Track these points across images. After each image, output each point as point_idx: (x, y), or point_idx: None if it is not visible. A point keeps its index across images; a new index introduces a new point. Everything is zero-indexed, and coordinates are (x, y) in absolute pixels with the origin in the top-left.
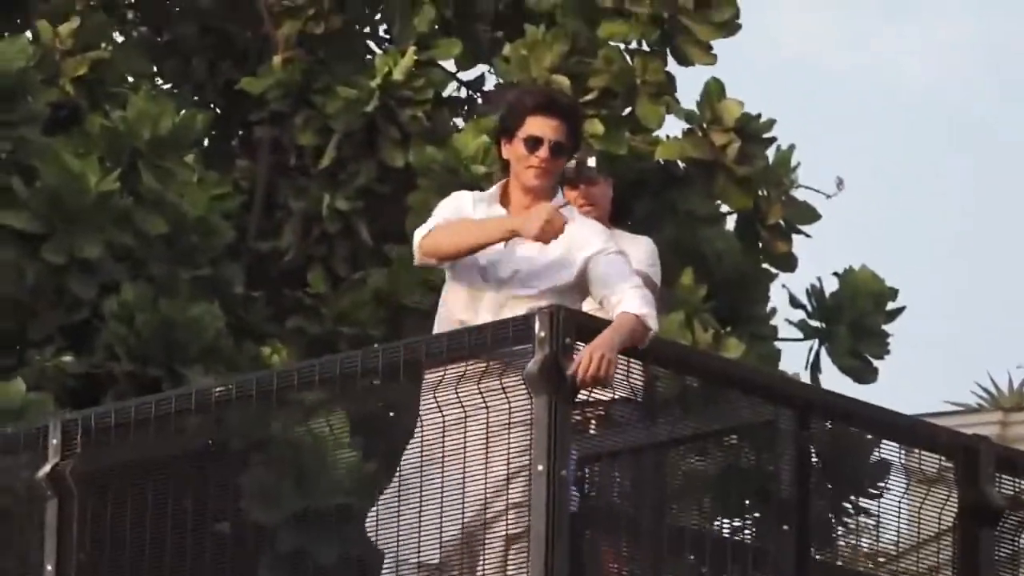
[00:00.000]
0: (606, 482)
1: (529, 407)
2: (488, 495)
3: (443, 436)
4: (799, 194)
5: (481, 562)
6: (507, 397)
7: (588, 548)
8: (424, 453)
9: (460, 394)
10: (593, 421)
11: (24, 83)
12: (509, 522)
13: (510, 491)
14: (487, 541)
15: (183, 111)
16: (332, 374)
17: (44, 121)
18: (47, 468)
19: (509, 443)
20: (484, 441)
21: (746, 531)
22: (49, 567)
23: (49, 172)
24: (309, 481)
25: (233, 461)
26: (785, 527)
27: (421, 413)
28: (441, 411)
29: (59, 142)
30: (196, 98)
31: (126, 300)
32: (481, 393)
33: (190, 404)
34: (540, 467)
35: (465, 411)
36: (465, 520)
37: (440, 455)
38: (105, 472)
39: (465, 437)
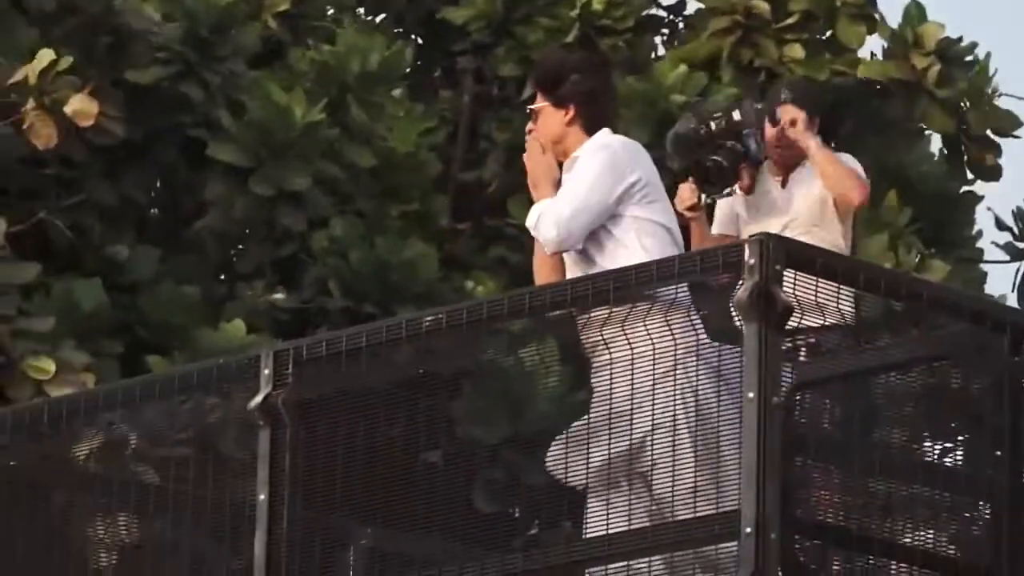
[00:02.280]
0: (816, 409)
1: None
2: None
3: (632, 367)
4: (1000, 103)
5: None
6: (695, 331)
7: (799, 475)
8: (614, 385)
9: (648, 326)
10: (803, 348)
11: (230, 18)
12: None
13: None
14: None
15: (391, 45)
16: (542, 302)
17: (250, 56)
18: (259, 398)
19: (698, 374)
20: (672, 373)
21: (958, 457)
22: (262, 496)
23: (256, 106)
24: (518, 408)
25: (444, 390)
26: (998, 453)
27: (609, 345)
28: (630, 345)
29: (266, 76)
30: (397, 29)
31: (337, 235)
32: (670, 326)
33: (401, 334)
34: (751, 395)
35: (653, 344)
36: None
37: (629, 386)
38: (317, 402)
39: (654, 369)
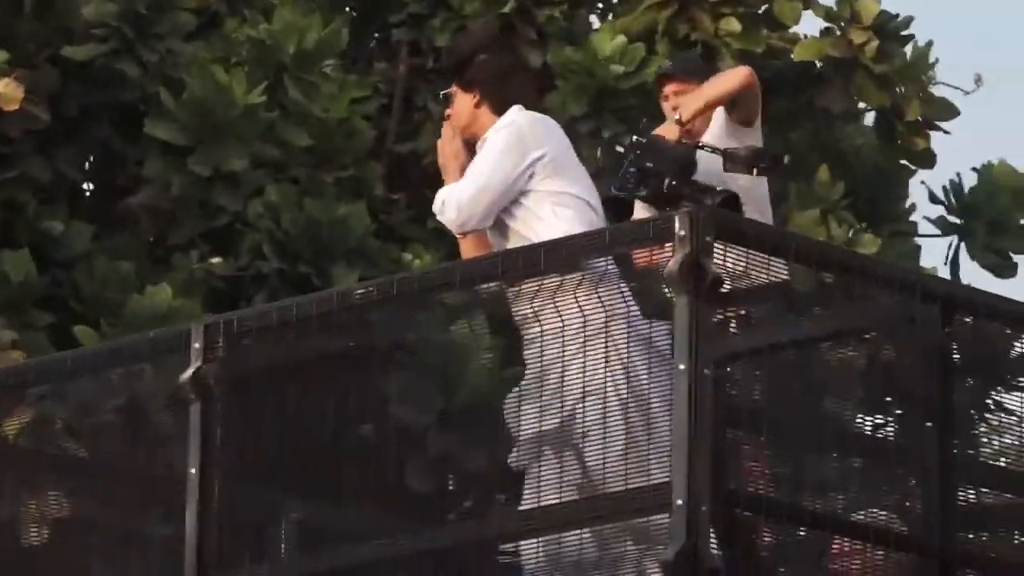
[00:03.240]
0: (746, 381)
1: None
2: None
3: (562, 340)
4: (937, 91)
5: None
6: (625, 302)
7: (729, 447)
8: (544, 356)
9: (579, 298)
10: (734, 320)
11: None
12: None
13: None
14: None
15: (328, 24)
16: (473, 276)
17: (189, 31)
18: (190, 372)
19: (629, 345)
20: (603, 345)
21: (888, 428)
22: (193, 470)
23: (196, 84)
24: (451, 383)
25: (376, 363)
26: (928, 424)
27: (540, 317)
28: (561, 317)
29: (202, 49)
30: (334, 1)
31: (271, 201)
32: (600, 298)
33: (332, 306)
34: (682, 366)
35: (584, 316)
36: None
37: (559, 359)
38: (248, 375)
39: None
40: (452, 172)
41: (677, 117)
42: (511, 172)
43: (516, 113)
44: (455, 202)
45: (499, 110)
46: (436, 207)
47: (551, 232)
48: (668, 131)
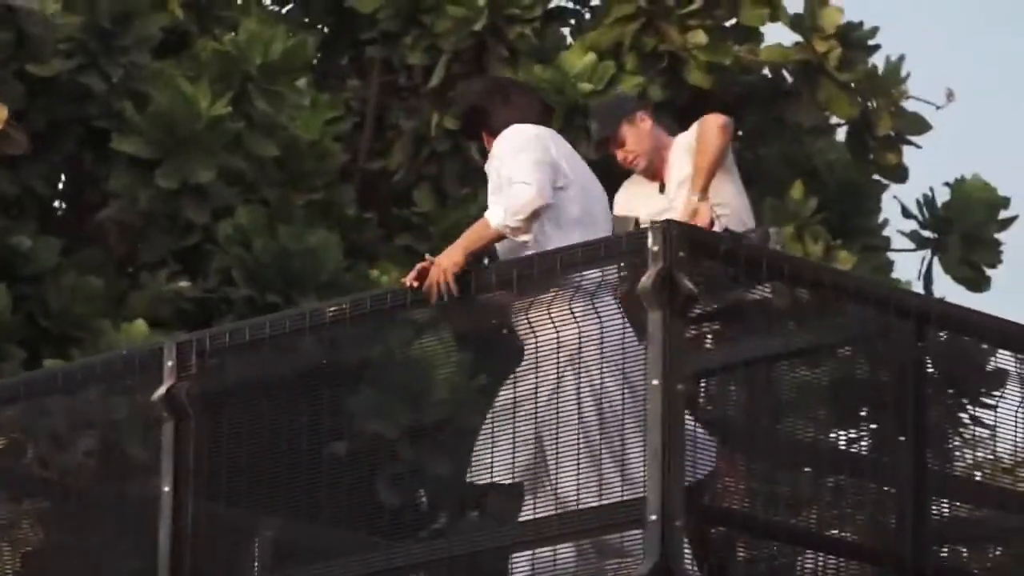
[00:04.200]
0: (722, 396)
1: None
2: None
3: (536, 356)
4: (910, 105)
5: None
6: (599, 317)
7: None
8: (518, 372)
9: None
10: (708, 336)
11: (134, 8)
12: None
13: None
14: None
15: (294, 35)
16: (443, 292)
17: (154, 46)
18: (163, 390)
19: (602, 359)
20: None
21: (863, 442)
22: (166, 488)
23: (161, 97)
24: (420, 398)
25: (347, 380)
26: (902, 438)
27: (517, 332)
28: (534, 331)
29: (169, 66)
30: (305, 19)
31: (240, 224)
32: (572, 313)
33: (304, 324)
34: (655, 382)
35: (557, 332)
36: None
37: (534, 374)
38: (220, 393)
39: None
40: (461, 243)
41: (697, 197)
42: (536, 150)
43: (524, 125)
44: (518, 191)
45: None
46: (497, 219)
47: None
48: (695, 211)
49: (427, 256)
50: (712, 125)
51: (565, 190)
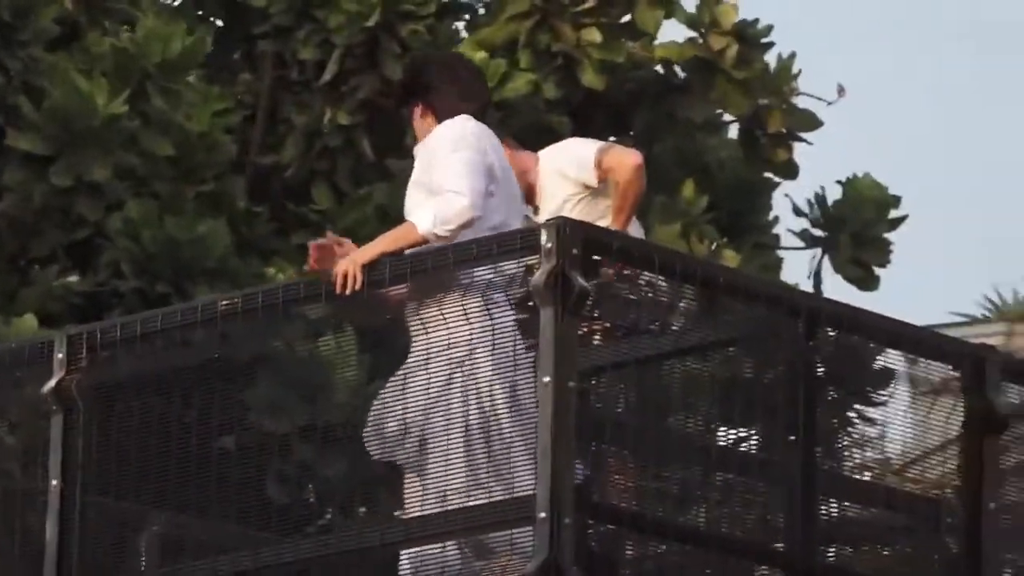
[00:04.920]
0: (611, 394)
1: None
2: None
3: (427, 354)
4: (801, 101)
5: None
6: (489, 314)
7: (594, 460)
8: (409, 367)
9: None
10: (597, 333)
11: (35, 1)
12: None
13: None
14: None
15: (192, 32)
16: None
17: (50, 39)
18: (52, 382)
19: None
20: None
21: (753, 441)
22: (55, 481)
23: (58, 93)
24: (315, 397)
25: (239, 375)
26: (792, 438)
27: (409, 327)
28: (426, 330)
29: (64, 60)
30: (198, 12)
31: (131, 217)
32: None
33: (196, 318)
34: (546, 379)
35: (448, 329)
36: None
37: (425, 372)
38: (110, 386)
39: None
40: (377, 242)
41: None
42: (475, 152)
43: (463, 121)
44: (451, 201)
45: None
46: (425, 226)
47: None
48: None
49: (328, 233)
50: (629, 167)
51: (492, 196)
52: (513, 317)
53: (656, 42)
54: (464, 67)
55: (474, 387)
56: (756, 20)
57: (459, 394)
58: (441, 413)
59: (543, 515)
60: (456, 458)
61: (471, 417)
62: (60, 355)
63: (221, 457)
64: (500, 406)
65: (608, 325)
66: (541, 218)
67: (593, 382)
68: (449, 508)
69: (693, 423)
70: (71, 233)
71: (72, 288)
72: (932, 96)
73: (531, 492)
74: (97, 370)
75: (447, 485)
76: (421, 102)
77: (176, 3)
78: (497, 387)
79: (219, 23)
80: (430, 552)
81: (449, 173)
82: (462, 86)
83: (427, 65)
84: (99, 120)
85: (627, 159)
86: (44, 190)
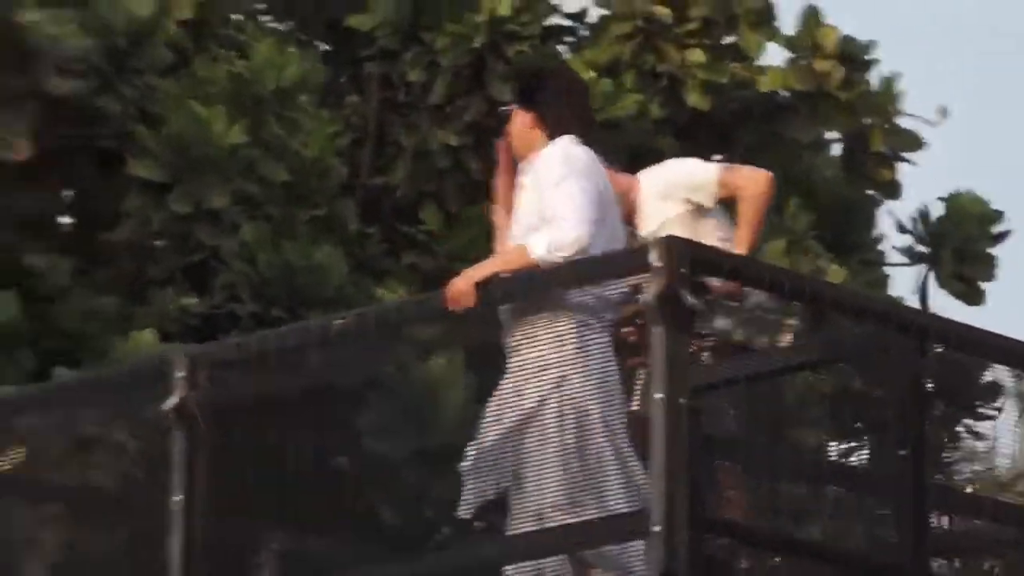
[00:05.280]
0: (722, 410)
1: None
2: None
3: (542, 371)
4: (904, 122)
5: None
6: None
7: (707, 474)
8: (523, 386)
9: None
10: (706, 352)
11: (146, 29)
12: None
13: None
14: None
15: (305, 58)
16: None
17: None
18: (173, 400)
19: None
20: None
21: (864, 455)
22: (177, 497)
23: (175, 121)
24: (425, 419)
25: (352, 396)
26: (902, 452)
27: (520, 348)
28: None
29: (173, 86)
30: (303, 36)
31: (246, 240)
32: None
33: (310, 339)
34: (658, 395)
35: (563, 346)
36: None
37: (538, 388)
38: (229, 404)
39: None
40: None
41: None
42: (586, 179)
43: (572, 144)
44: (565, 230)
45: (552, 135)
46: (539, 252)
47: None
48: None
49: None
50: (764, 181)
51: (597, 224)
52: (608, 338)
53: (758, 62)
54: (578, 84)
55: (588, 405)
56: (855, 39)
57: (570, 413)
58: (555, 428)
59: (657, 529)
60: (556, 475)
61: (584, 431)
62: (181, 373)
63: (335, 477)
64: (596, 424)
65: (717, 343)
66: (646, 235)
67: (705, 399)
68: (565, 523)
69: (804, 439)
70: (188, 256)
71: (189, 309)
72: None
73: (645, 507)
74: (215, 389)
75: (554, 501)
76: (533, 112)
77: (282, 27)
78: (610, 404)
79: (325, 46)
80: (544, 566)
81: (563, 200)
82: (574, 104)
83: (543, 77)
84: (217, 148)
85: (760, 175)
86: (163, 217)
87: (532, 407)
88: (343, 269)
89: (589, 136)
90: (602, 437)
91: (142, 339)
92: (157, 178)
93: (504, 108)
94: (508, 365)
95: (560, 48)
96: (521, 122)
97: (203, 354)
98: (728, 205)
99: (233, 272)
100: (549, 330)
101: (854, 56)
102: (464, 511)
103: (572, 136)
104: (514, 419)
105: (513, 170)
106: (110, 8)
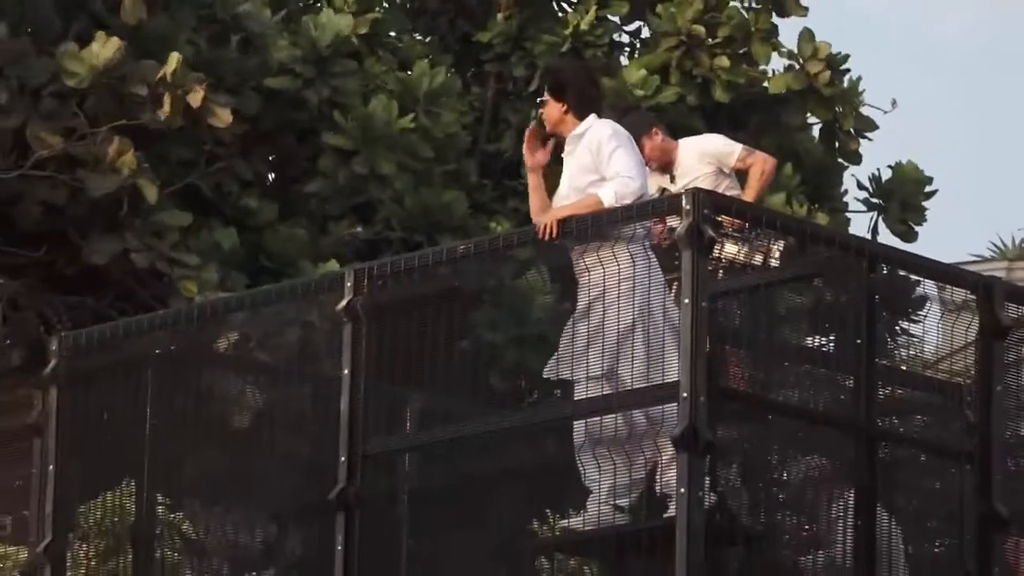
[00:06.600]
0: (731, 311)
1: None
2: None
3: (604, 286)
4: (865, 110)
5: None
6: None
7: (720, 357)
8: (592, 299)
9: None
10: (721, 270)
11: (345, 44)
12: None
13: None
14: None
15: (448, 69)
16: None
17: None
18: (343, 303)
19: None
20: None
21: (831, 344)
22: (345, 371)
23: (360, 108)
24: (521, 316)
25: (471, 299)
26: (858, 341)
27: (590, 268)
28: (590, 268)
29: (353, 82)
30: (443, 43)
31: (396, 188)
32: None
33: (442, 258)
34: (686, 300)
35: (619, 266)
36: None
37: (602, 299)
38: (385, 306)
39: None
40: (572, 205)
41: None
42: (632, 147)
43: (611, 122)
44: (628, 183)
45: (581, 116)
46: (610, 199)
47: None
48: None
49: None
50: (772, 164)
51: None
52: (654, 257)
53: (765, 67)
54: (591, 77)
55: (638, 308)
56: (838, 52)
57: (626, 314)
58: (613, 325)
59: (685, 395)
60: (626, 355)
61: (635, 326)
62: (349, 283)
63: (459, 355)
64: (655, 318)
65: (728, 264)
66: (676, 186)
67: (719, 303)
68: (617, 391)
69: (789, 333)
70: (355, 197)
71: (357, 236)
72: (957, 103)
73: (676, 379)
74: (375, 294)
75: (619, 375)
76: (563, 99)
77: (426, 39)
78: (653, 306)
79: (456, 49)
80: (600, 423)
81: (623, 161)
82: (592, 91)
83: (567, 72)
84: (389, 131)
85: (769, 159)
86: (346, 174)
87: (604, 305)
88: (465, 209)
89: (601, 114)
90: (658, 321)
91: (328, 266)
92: (346, 147)
93: (540, 98)
94: (580, 277)
95: (622, 56)
96: (555, 108)
97: (365, 269)
98: (740, 175)
99: (387, 209)
100: (614, 251)
101: (834, 64)
102: (547, 373)
103: (594, 115)
104: (592, 317)
105: (540, 146)
106: (319, 28)
